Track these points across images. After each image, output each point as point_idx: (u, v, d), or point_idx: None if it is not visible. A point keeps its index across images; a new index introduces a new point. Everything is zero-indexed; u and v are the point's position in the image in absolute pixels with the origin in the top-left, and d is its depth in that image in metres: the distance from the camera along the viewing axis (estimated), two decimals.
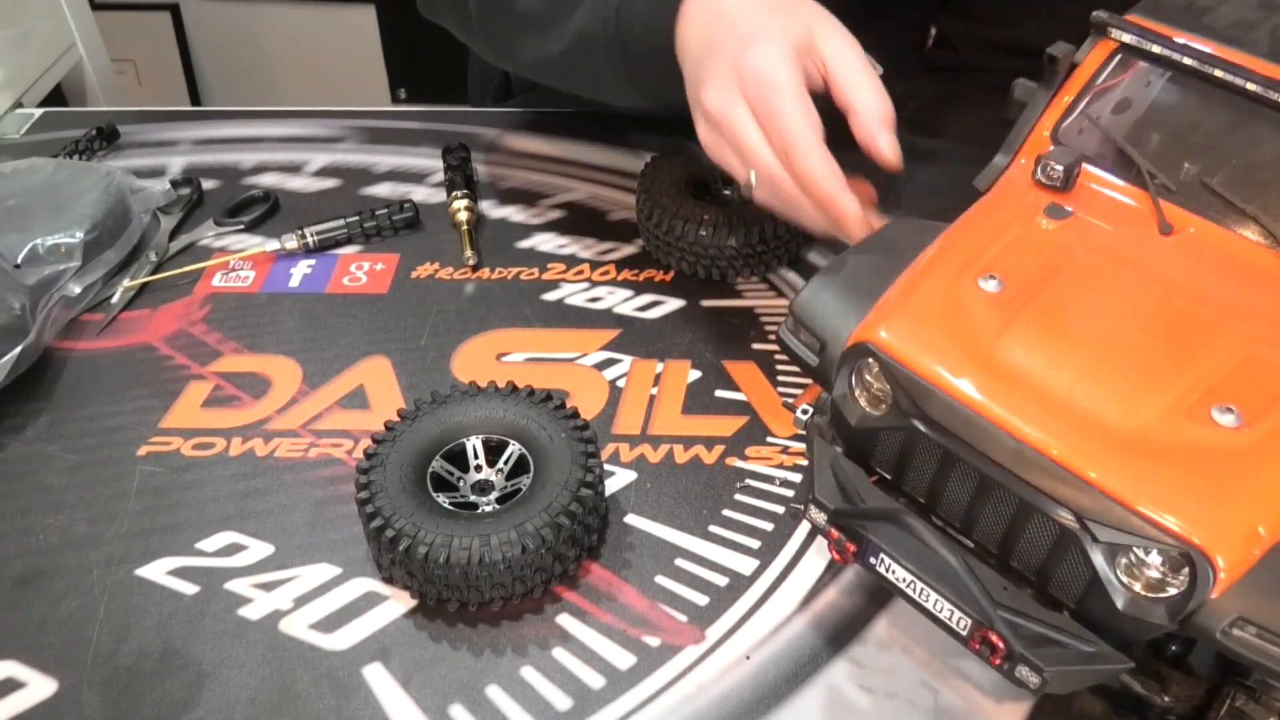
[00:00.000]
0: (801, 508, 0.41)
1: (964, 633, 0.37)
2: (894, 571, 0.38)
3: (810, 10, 0.53)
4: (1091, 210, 0.43)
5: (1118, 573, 0.35)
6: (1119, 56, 0.44)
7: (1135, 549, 0.34)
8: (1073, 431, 0.35)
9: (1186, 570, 0.34)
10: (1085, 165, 0.44)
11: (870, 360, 0.40)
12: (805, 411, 0.46)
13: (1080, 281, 0.40)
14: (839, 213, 0.50)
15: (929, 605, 0.38)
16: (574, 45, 0.62)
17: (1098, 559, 0.35)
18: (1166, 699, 0.38)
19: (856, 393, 0.41)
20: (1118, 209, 0.43)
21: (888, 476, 0.41)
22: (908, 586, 0.38)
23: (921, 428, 0.38)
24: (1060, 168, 0.43)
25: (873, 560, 0.39)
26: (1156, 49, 0.43)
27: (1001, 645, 0.35)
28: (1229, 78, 0.41)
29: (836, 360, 0.41)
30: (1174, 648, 0.38)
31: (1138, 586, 0.35)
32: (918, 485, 0.40)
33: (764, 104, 0.50)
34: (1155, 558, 0.34)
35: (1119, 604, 0.35)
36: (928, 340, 0.39)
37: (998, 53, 0.65)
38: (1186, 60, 0.42)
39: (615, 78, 0.61)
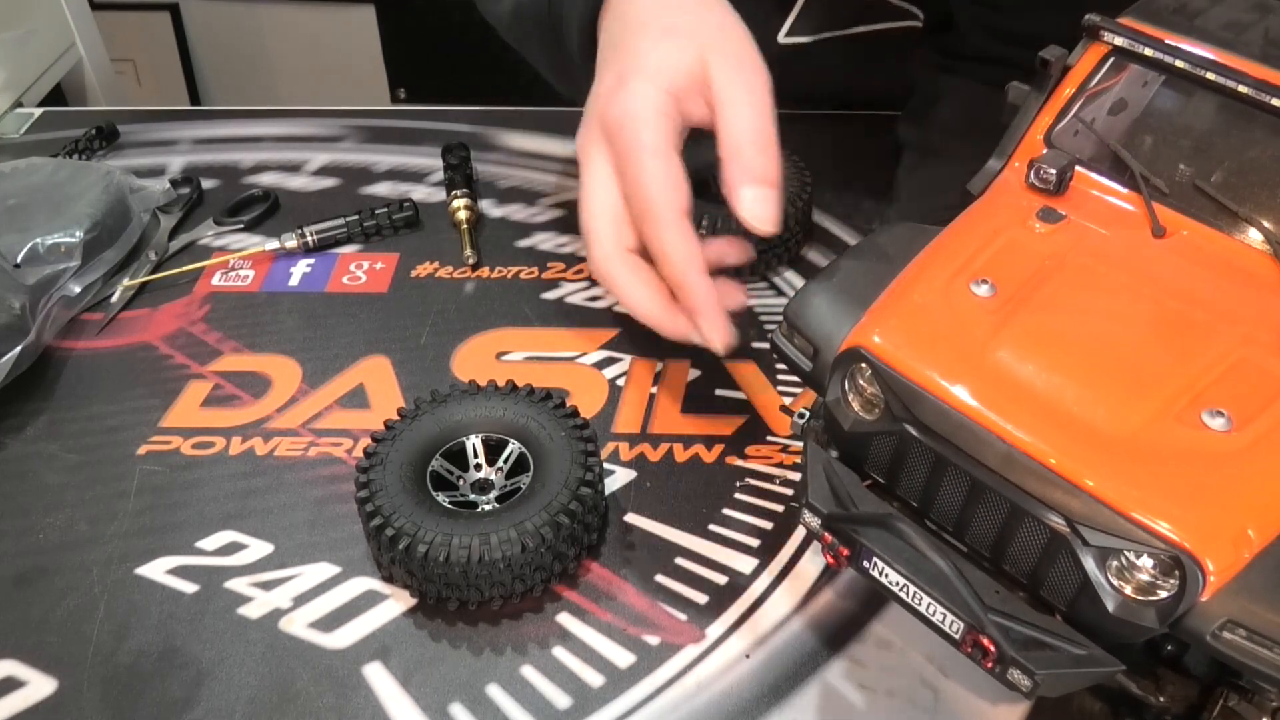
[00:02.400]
0: (802, 498, 0.41)
1: (956, 636, 0.37)
2: (887, 575, 0.38)
3: (713, 30, 0.46)
4: (1085, 214, 0.43)
5: (1108, 576, 0.35)
6: (1111, 60, 0.44)
7: (1125, 552, 0.34)
8: (1063, 436, 0.36)
9: (1176, 573, 0.34)
10: (1078, 169, 0.44)
11: (863, 365, 0.40)
12: (801, 415, 0.46)
13: (1073, 285, 0.40)
14: (690, 300, 0.44)
15: (922, 609, 0.38)
16: (514, 18, 0.61)
17: (1088, 563, 0.35)
18: (1162, 699, 0.38)
19: (849, 397, 0.41)
20: (1111, 212, 0.43)
21: (881, 481, 0.41)
22: (900, 590, 0.38)
23: (913, 432, 0.38)
24: (1053, 171, 0.43)
25: (866, 564, 0.39)
26: (1148, 52, 0.43)
27: (992, 649, 0.35)
28: (1221, 80, 0.41)
29: (829, 365, 0.41)
30: (1169, 648, 0.38)
31: (1128, 590, 0.35)
32: (910, 490, 0.40)
33: (623, 158, 0.45)
34: (1145, 561, 0.34)
35: (1109, 607, 0.35)
36: (920, 345, 0.39)
37: (1008, 43, 0.64)
38: (1178, 63, 0.42)
39: (549, 58, 0.59)
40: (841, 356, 0.40)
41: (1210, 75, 0.41)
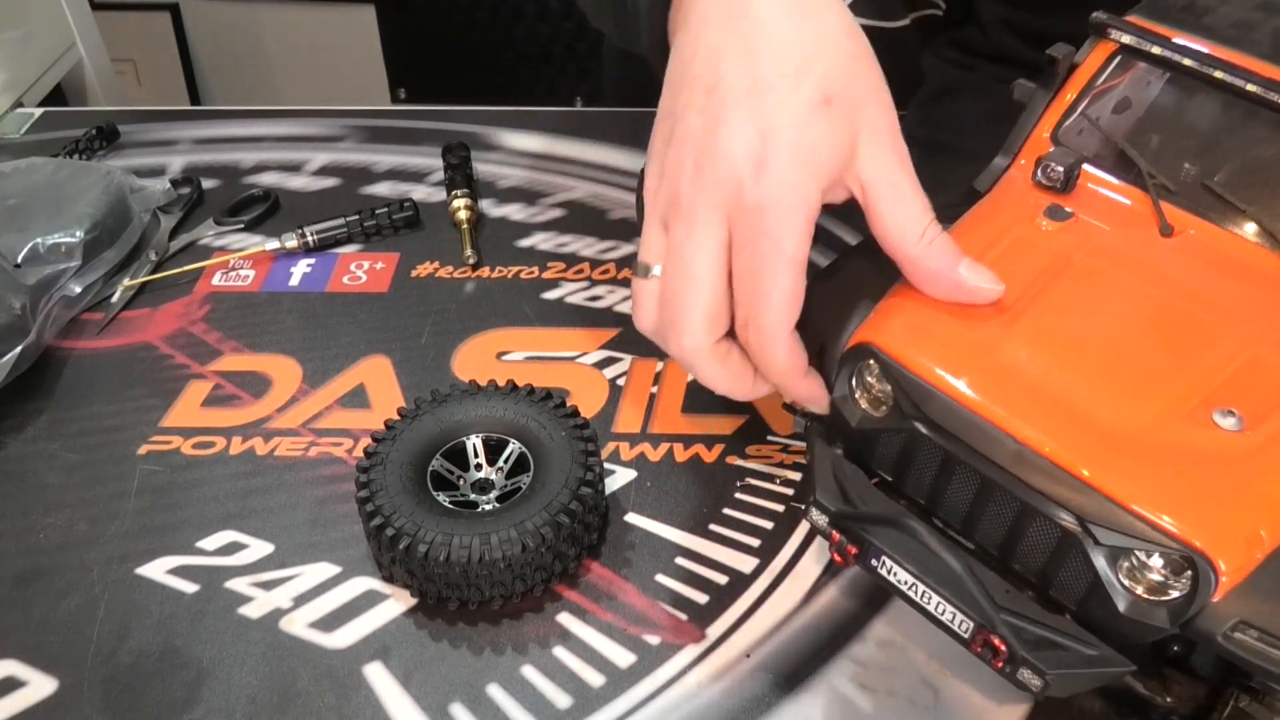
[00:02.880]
0: (803, 507, 0.41)
1: (966, 635, 0.37)
2: (895, 574, 0.38)
3: (865, 93, 0.41)
4: (1092, 212, 0.43)
5: (1119, 576, 0.35)
6: (1119, 57, 0.44)
7: (1137, 552, 0.34)
8: (1075, 434, 0.35)
9: (1188, 573, 0.33)
10: (1085, 166, 0.44)
11: (871, 361, 0.39)
12: (804, 413, 0.46)
13: (1081, 284, 0.40)
14: (795, 394, 0.42)
15: (931, 608, 0.38)
16: None
17: (1099, 562, 0.35)
18: (1169, 700, 0.38)
19: (857, 394, 0.41)
20: (1118, 210, 0.43)
21: (888, 479, 0.41)
22: (909, 589, 0.38)
23: (923, 430, 0.38)
24: (1060, 169, 0.43)
25: (874, 563, 0.39)
26: (1156, 50, 0.43)
27: (1004, 648, 0.35)
28: (1228, 79, 0.41)
29: (836, 362, 0.41)
30: (1176, 649, 0.38)
31: (1139, 590, 0.35)
32: (918, 487, 0.40)
33: (753, 255, 0.40)
34: (1157, 561, 0.34)
35: (1120, 607, 0.35)
36: (929, 342, 0.39)
37: (1030, 42, 0.63)
38: (1186, 61, 0.42)
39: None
40: (849, 353, 0.40)
41: (1218, 74, 0.41)
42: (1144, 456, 0.35)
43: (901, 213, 0.40)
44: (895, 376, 0.38)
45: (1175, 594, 0.34)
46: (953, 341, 0.39)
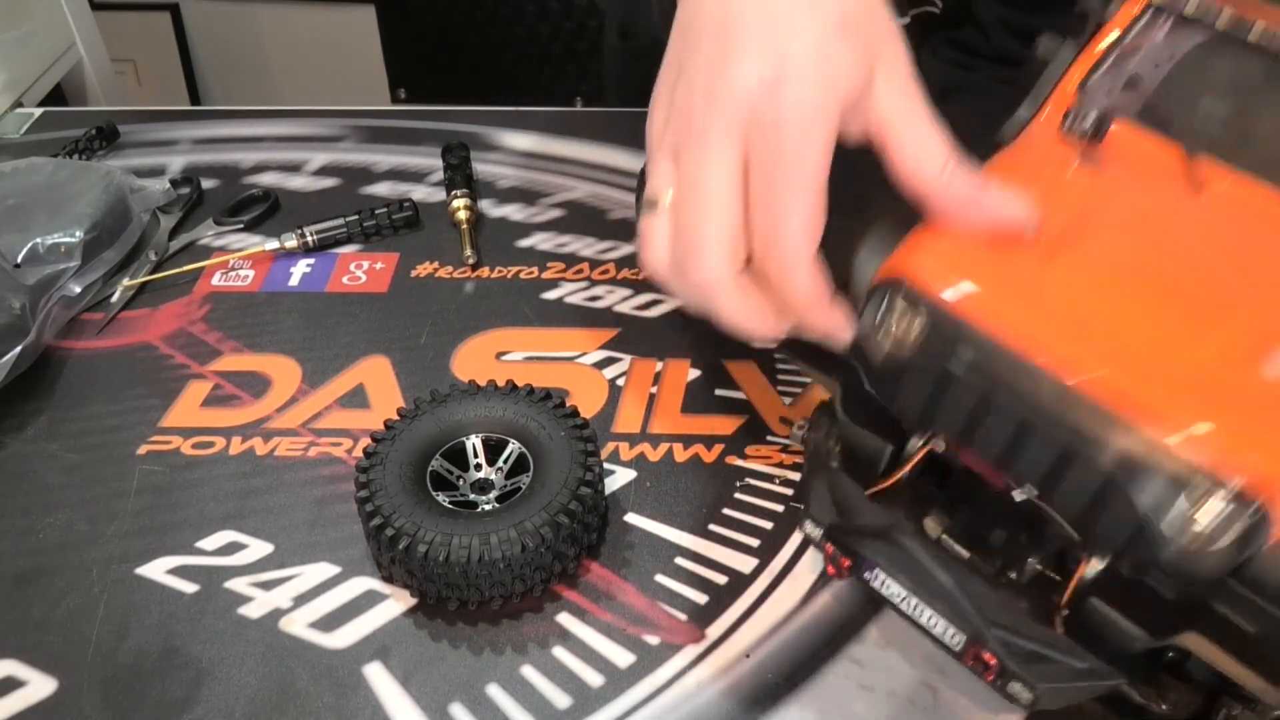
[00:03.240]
0: (803, 508, 0.41)
1: (957, 649, 0.36)
2: (888, 587, 0.38)
3: (883, 29, 0.40)
4: (1121, 163, 0.41)
5: (1167, 519, 0.33)
6: (1149, 12, 0.44)
7: (1184, 495, 0.32)
8: (1120, 372, 0.34)
9: (1243, 516, 0.32)
10: (1114, 118, 0.43)
11: (901, 295, 0.37)
12: (801, 426, 0.46)
13: (1116, 229, 0.38)
14: (812, 330, 0.40)
15: (922, 621, 0.37)
16: None
17: (1145, 505, 0.33)
18: (1164, 707, 0.38)
19: (882, 331, 0.38)
20: (1148, 163, 0.41)
21: (913, 421, 0.39)
22: (902, 602, 0.38)
23: (956, 368, 0.36)
24: (1090, 118, 0.41)
25: (867, 575, 0.39)
26: (1189, 9, 0.42)
27: (994, 662, 0.35)
28: (1261, 38, 0.40)
29: (862, 297, 0.39)
30: (1171, 655, 0.38)
31: (1189, 533, 0.33)
32: (949, 428, 0.38)
33: (770, 175, 0.38)
34: (1209, 503, 0.32)
35: (1168, 552, 0.33)
36: (963, 275, 0.37)
37: (1026, 42, 0.62)
38: (1218, 19, 0.41)
39: None
40: (877, 285, 0.38)
41: (1251, 33, 0.41)
42: (1194, 396, 0.33)
43: (920, 146, 0.39)
44: (927, 310, 0.36)
45: (1229, 538, 0.32)
46: (989, 275, 0.36)
